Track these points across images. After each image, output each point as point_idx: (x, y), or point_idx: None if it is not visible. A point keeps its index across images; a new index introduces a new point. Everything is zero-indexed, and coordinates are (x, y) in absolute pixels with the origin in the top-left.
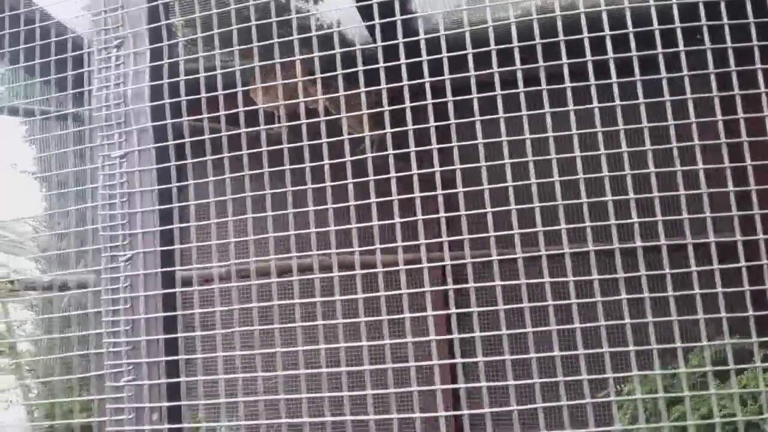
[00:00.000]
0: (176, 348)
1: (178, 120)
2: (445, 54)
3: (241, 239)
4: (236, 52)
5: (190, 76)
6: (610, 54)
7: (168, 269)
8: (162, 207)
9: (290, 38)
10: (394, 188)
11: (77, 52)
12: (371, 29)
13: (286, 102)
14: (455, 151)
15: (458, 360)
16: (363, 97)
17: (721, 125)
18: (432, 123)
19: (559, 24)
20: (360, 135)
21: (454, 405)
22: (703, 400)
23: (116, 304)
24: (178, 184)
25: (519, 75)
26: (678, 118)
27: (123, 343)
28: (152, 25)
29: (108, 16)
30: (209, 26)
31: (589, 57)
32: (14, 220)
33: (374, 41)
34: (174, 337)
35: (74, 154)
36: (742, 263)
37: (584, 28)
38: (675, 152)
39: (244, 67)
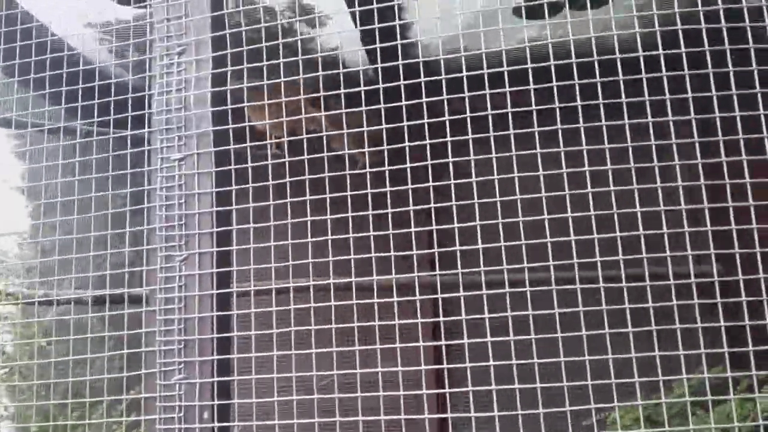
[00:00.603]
0: (227, 348)
1: (239, 125)
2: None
3: (300, 241)
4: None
5: (254, 83)
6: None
7: (223, 269)
8: (220, 209)
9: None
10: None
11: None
12: (370, 54)
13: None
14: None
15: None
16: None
17: None
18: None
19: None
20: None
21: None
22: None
23: (170, 303)
24: (237, 187)
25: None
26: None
27: (175, 342)
28: (216, 34)
29: (171, 24)
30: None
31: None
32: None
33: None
34: (225, 337)
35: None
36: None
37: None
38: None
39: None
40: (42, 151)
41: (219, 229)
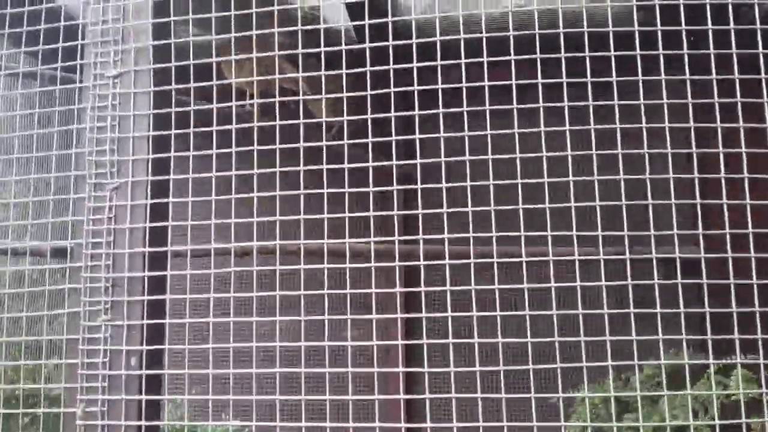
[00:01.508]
0: (161, 290)
1: (182, 40)
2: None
3: (245, 171)
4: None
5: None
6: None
7: (158, 200)
8: (157, 133)
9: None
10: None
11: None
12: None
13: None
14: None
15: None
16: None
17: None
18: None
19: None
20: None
21: None
22: (655, 407)
23: (98, 236)
24: (177, 109)
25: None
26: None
27: (102, 279)
28: None
29: None
30: None
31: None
32: None
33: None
34: (158, 277)
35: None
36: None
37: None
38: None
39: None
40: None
41: (155, 156)
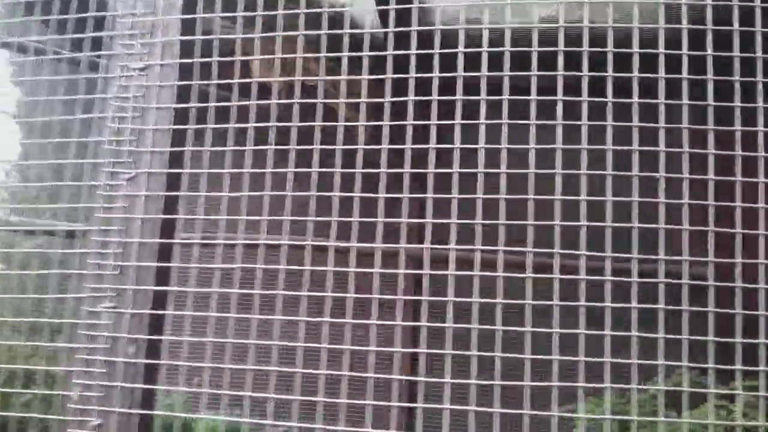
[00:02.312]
0: (166, 282)
1: (208, 37)
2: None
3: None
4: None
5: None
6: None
7: (172, 193)
8: (177, 127)
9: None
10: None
11: None
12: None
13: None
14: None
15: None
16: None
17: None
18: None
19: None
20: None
21: None
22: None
23: (110, 223)
24: (198, 105)
25: (534, 81)
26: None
27: (110, 266)
28: None
29: None
30: None
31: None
32: None
33: (384, 27)
34: (164, 268)
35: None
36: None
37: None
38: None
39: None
40: (26, 73)
41: (173, 149)
